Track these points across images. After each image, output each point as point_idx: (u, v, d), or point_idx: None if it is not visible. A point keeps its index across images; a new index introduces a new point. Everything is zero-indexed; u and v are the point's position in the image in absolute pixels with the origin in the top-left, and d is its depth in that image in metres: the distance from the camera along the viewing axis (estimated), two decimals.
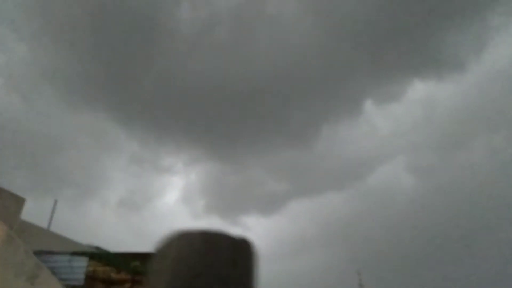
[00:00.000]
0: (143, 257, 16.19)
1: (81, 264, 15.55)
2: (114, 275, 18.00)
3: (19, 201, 17.64)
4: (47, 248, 16.24)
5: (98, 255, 16.65)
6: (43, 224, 18.81)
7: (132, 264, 16.14)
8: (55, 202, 17.50)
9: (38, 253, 15.57)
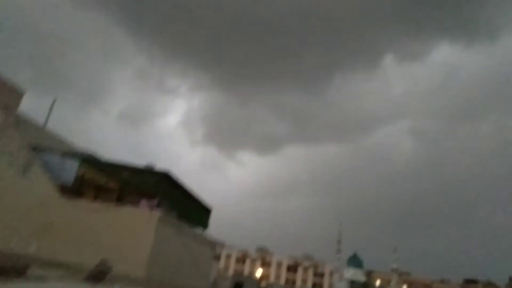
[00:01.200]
0: (133, 169, 16.65)
1: (73, 166, 15.94)
2: (103, 183, 18.62)
3: (18, 93, 17.57)
4: (42, 145, 16.53)
5: (89, 160, 17.07)
6: (40, 122, 18.97)
7: (122, 175, 16.61)
8: (54, 101, 17.43)
9: (32, 149, 15.89)
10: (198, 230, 21.64)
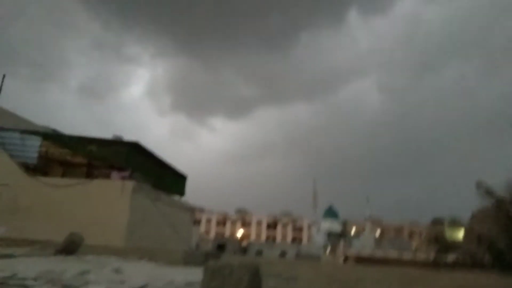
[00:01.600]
0: (100, 142, 16.12)
1: (34, 143, 15.22)
2: (70, 158, 17.98)
3: None
4: None
5: (51, 136, 16.33)
6: None
7: (88, 148, 16.08)
8: (3, 77, 16.27)
9: None
10: (175, 198, 21.67)
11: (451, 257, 11.27)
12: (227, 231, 74.53)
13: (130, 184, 14.87)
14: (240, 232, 73.05)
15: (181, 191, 22.51)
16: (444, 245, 11.64)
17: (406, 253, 44.59)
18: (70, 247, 6.71)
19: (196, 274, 5.50)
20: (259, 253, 42.78)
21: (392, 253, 45.07)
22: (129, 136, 18.29)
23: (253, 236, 73.12)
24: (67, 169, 17.12)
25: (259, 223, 76.32)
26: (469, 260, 10.85)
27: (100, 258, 6.90)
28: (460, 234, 12.93)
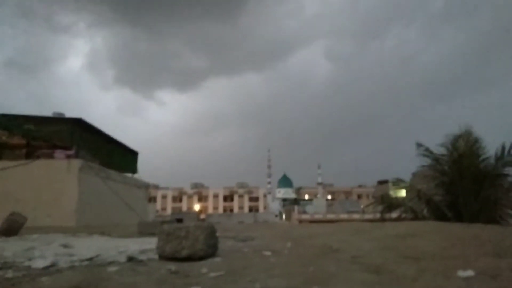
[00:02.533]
0: (38, 120, 15.00)
1: None
2: (6, 139, 16.58)
3: None
4: None
5: None
6: None
7: (25, 128, 14.90)
8: None
9: None
10: (128, 175, 21.00)
11: (395, 214, 12.16)
12: (184, 206, 74.28)
13: (76, 163, 14.13)
14: (197, 207, 73.21)
15: (133, 168, 21.84)
16: (389, 204, 12.48)
17: (356, 214, 47.61)
18: (11, 227, 6.29)
19: (152, 243, 5.44)
20: (217, 224, 43.32)
21: (343, 215, 47.91)
22: (71, 113, 17.18)
23: (210, 210, 73.66)
24: (3, 151, 15.80)
25: (215, 197, 76.83)
26: (410, 214, 11.76)
27: (46, 236, 6.58)
28: (403, 192, 13.88)
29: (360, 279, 3.13)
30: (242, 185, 79.15)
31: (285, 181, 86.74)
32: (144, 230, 6.99)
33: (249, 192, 77.57)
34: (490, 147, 10.94)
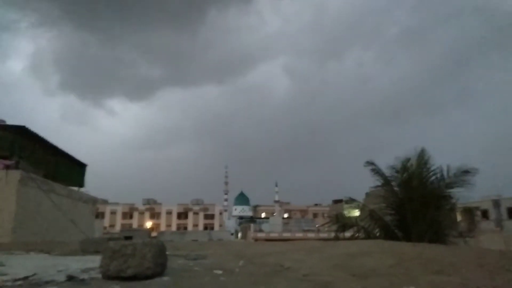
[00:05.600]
0: None
1: None
2: None
3: None
4: None
5: None
6: None
7: None
8: None
9: None
10: (74, 188, 19.78)
11: (349, 233, 12.39)
12: (135, 223, 71.20)
13: (15, 174, 13.09)
14: (149, 224, 70.50)
15: (79, 181, 20.63)
16: (343, 223, 12.70)
17: (311, 232, 48.27)
18: None
19: (95, 261, 5.10)
20: (170, 242, 41.85)
21: (298, 234, 48.37)
22: (10, 119, 15.79)
23: (163, 227, 71.19)
24: None
25: (169, 213, 74.50)
26: (363, 234, 12.02)
27: None
28: (357, 212, 14.23)
29: None
30: (197, 202, 77.58)
31: (242, 199, 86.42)
32: (88, 247, 6.55)
33: (205, 209, 76.13)
34: (438, 169, 11.55)
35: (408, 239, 10.44)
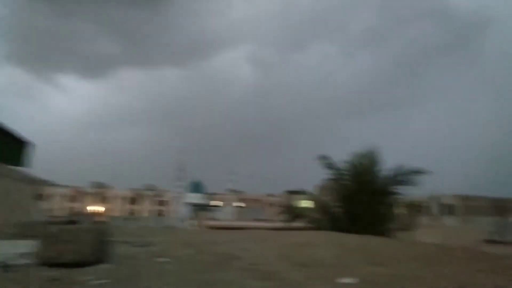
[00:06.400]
0: None
1: None
2: None
3: None
4: None
5: None
6: None
7: None
8: None
9: None
10: (11, 167, 18.38)
11: (301, 223, 12.70)
12: (83, 207, 68.23)
13: None
14: (97, 208, 67.87)
15: (19, 160, 19.21)
16: (295, 213, 13.00)
17: (264, 222, 49.02)
18: None
19: (32, 246, 4.79)
20: (119, 228, 40.56)
21: (252, 222, 48.91)
22: None
23: (114, 212, 68.91)
24: None
25: (120, 198, 72.20)
26: (314, 224, 12.34)
27: None
28: (309, 203, 14.58)
29: (253, 286, 3.14)
30: (150, 187, 75.74)
31: (196, 186, 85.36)
32: (25, 231, 6.13)
33: (158, 195, 74.61)
34: (391, 165, 12.13)
35: (355, 230, 10.91)
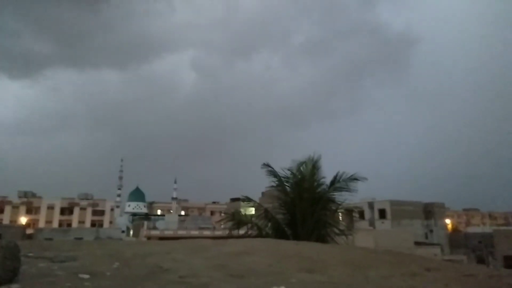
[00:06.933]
0: None
1: None
2: None
3: None
4: None
5: None
6: None
7: None
8: None
9: None
10: None
11: (244, 231, 12.63)
12: (7, 218, 61.90)
13: None
14: (24, 219, 62.05)
15: None
16: (238, 221, 12.93)
17: (207, 230, 48.24)
18: None
19: None
20: (49, 240, 37.43)
21: (194, 231, 47.89)
22: None
23: (42, 223, 63.40)
24: None
25: (50, 208, 66.61)
26: (256, 231, 12.34)
27: None
28: (252, 210, 14.61)
29: None
30: (85, 197, 70.89)
31: (136, 194, 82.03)
32: None
33: (94, 205, 70.05)
34: (331, 173, 12.54)
35: (297, 237, 11.06)
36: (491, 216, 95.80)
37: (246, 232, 12.27)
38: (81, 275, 4.15)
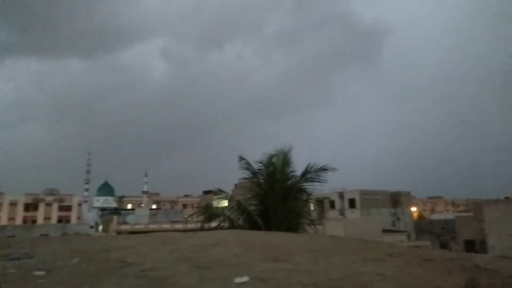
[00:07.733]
0: None
1: None
2: None
3: None
4: None
5: None
6: None
7: None
8: None
9: None
10: None
11: (216, 223, 12.62)
12: None
13: None
14: None
15: None
16: (210, 213, 12.91)
17: (179, 223, 47.79)
18: None
19: None
20: (11, 238, 35.81)
21: (166, 225, 47.31)
22: None
23: (4, 220, 60.59)
24: None
25: (13, 204, 63.70)
26: (228, 223, 12.39)
27: None
28: (225, 202, 14.62)
29: None
30: (51, 192, 68.25)
31: (105, 189, 79.91)
32: None
33: (60, 200, 67.61)
34: (303, 164, 12.67)
35: (268, 228, 11.16)
36: (454, 203, 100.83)
37: (218, 225, 12.25)
38: (36, 272, 3.94)
